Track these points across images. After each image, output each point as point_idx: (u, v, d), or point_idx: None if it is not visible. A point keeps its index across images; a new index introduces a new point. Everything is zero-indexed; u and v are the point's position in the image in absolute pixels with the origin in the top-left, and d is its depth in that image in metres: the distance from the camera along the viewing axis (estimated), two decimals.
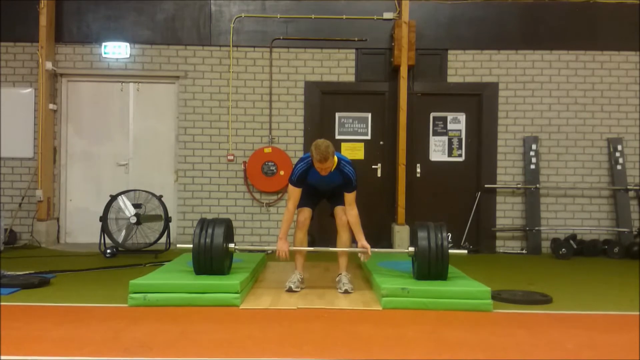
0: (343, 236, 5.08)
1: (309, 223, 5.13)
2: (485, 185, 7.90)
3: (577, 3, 7.95)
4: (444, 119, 8.08)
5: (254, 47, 7.99)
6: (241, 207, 7.96)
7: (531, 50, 7.98)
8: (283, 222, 5.02)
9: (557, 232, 7.86)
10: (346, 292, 4.87)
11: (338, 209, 5.09)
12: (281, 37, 7.97)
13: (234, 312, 4.26)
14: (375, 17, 7.94)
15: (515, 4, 7.99)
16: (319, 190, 5.11)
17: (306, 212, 5.08)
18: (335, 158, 4.87)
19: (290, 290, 4.88)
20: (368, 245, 4.91)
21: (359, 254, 5.00)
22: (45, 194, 7.69)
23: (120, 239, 7.00)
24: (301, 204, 5.06)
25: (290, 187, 4.99)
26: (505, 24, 8.00)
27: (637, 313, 4.34)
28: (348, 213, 4.97)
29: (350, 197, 4.95)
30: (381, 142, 8.07)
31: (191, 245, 4.74)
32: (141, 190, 7.19)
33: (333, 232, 5.20)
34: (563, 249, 7.33)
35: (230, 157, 7.96)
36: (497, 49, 7.99)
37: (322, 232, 7.44)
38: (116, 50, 7.97)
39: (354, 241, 5.09)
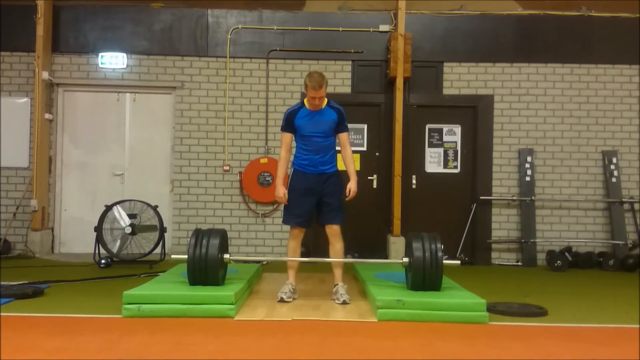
0: (336, 245, 5.05)
1: (303, 235, 5.11)
2: (481, 197, 7.92)
3: (572, 16, 8.02)
4: (440, 131, 8.10)
5: (251, 58, 8.02)
6: (237, 217, 7.95)
7: (526, 63, 8.03)
8: (278, 169, 5.10)
9: (552, 245, 7.87)
10: (344, 302, 4.85)
11: (328, 220, 5.05)
12: (278, 49, 8.00)
13: (229, 324, 4.24)
14: (371, 29, 7.98)
15: (510, 17, 8.05)
16: (312, 143, 4.98)
17: (301, 228, 5.07)
18: (325, 98, 5.01)
19: (282, 300, 4.86)
20: (355, 189, 4.99)
21: (346, 193, 5.02)
22: (40, 204, 7.66)
23: (115, 249, 6.97)
24: (295, 220, 5.03)
25: (282, 134, 5.09)
26: (501, 37, 8.05)
27: (633, 326, 4.34)
28: (344, 153, 5.08)
29: (344, 137, 5.08)
30: (377, 154, 8.09)
31: (186, 256, 4.73)
32: (136, 201, 7.17)
33: (327, 242, 5.16)
34: (558, 261, 7.33)
35: (226, 168, 7.96)
36: (492, 62, 8.04)
37: (316, 242, 7.42)
38: (113, 61, 7.98)
39: (349, 252, 5.09)
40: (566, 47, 8.02)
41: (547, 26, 8.03)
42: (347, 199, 5.04)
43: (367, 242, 7.80)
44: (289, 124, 5.02)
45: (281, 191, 5.00)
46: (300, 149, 5.07)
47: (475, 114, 8.05)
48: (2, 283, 5.33)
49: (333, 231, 5.04)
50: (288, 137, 5.06)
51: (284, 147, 5.06)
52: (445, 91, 8.03)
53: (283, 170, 5.06)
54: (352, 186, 5.00)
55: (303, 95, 7.80)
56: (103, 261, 6.87)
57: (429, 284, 4.65)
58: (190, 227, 7.52)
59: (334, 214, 5.04)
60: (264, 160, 7.90)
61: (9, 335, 3.76)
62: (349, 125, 7.83)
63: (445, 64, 8.03)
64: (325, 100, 5.03)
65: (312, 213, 5.10)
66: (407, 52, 7.61)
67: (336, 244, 5.05)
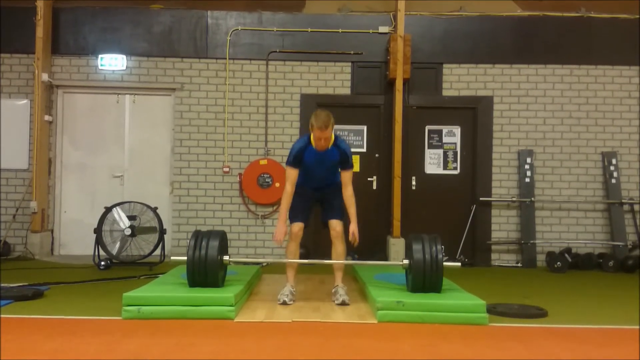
0: (338, 247, 5.07)
1: (302, 235, 5.12)
2: (481, 198, 7.92)
3: (571, 17, 8.02)
4: (439, 132, 8.10)
5: (250, 59, 8.02)
6: (236, 219, 7.95)
7: (525, 64, 8.04)
8: (282, 205, 5.00)
9: (552, 246, 7.87)
10: (343, 303, 4.86)
11: (332, 221, 5.09)
12: (277, 50, 8.01)
13: (229, 325, 4.23)
14: (371, 30, 7.99)
15: (509, 18, 8.05)
16: (315, 176, 5.03)
17: (300, 224, 5.08)
18: (332, 135, 4.92)
19: (284, 303, 4.86)
20: (357, 233, 4.92)
21: (350, 238, 4.98)
22: (39, 206, 7.65)
23: (114, 251, 6.96)
24: (294, 217, 5.07)
25: (288, 168, 4.99)
26: (500, 38, 8.06)
27: (633, 327, 4.33)
28: (344, 192, 5.00)
29: (347, 175, 4.99)
30: (377, 155, 8.09)
31: (185, 258, 4.73)
32: (136, 202, 7.17)
33: (327, 243, 5.19)
34: (558, 263, 7.33)
35: (226, 169, 7.96)
36: (491, 63, 8.04)
37: (316, 244, 7.42)
38: (112, 62, 7.98)
39: (349, 253, 5.09)
40: (565, 48, 8.03)
41: (546, 27, 8.03)
42: (354, 244, 5.00)
43: (366, 243, 7.77)
44: (297, 160, 4.93)
45: (283, 231, 4.91)
46: (302, 175, 5.05)
47: (474, 116, 8.05)
48: (2, 285, 5.33)
49: (336, 233, 5.06)
50: (294, 172, 4.96)
51: (290, 182, 4.96)
52: (445, 92, 8.04)
53: (287, 206, 4.99)
54: (354, 229, 4.92)
55: (302, 97, 7.97)
56: (103, 263, 6.86)
57: (429, 286, 4.65)
58: (189, 229, 7.51)
59: (336, 211, 5.08)
60: (263, 162, 7.90)
61: (9, 337, 3.76)
62: (349, 127, 8.09)
63: (444, 65, 8.04)
64: (333, 138, 4.92)
65: (313, 202, 5.21)
66: (406, 54, 7.61)
67: (338, 246, 5.08)
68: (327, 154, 4.93)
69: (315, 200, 5.18)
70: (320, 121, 4.74)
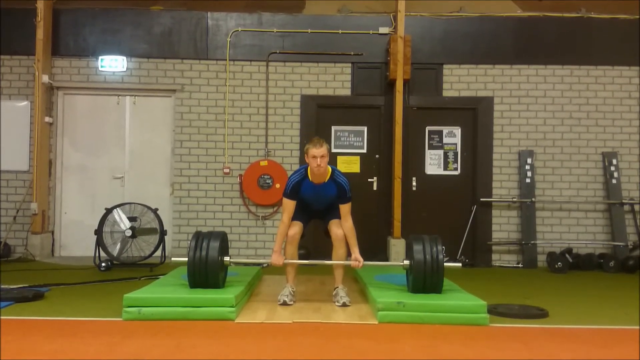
0: (339, 250, 5.06)
1: (299, 238, 5.11)
2: (481, 199, 7.91)
3: (571, 18, 8.03)
4: (440, 133, 8.10)
5: (251, 60, 8.03)
6: (237, 220, 7.95)
7: (526, 64, 8.04)
8: (278, 235, 5.04)
9: (552, 246, 7.87)
10: (344, 305, 4.86)
11: (333, 223, 5.08)
12: (277, 51, 8.01)
13: (229, 326, 4.23)
14: (371, 31, 7.99)
15: (510, 19, 8.06)
16: (313, 207, 5.12)
17: (297, 227, 5.06)
18: (329, 168, 4.92)
19: (284, 304, 4.87)
20: (361, 259, 4.91)
21: (353, 264, 4.99)
22: (40, 207, 7.66)
23: (115, 253, 6.96)
24: (293, 217, 5.06)
25: (285, 199, 5.00)
26: (500, 39, 8.06)
27: (634, 327, 4.34)
28: (343, 225, 4.99)
29: (345, 208, 4.97)
30: (377, 156, 8.09)
31: (186, 259, 4.74)
32: (137, 204, 7.17)
33: (328, 245, 5.19)
34: (559, 263, 7.32)
35: (226, 170, 7.96)
36: (492, 64, 8.04)
37: (317, 246, 7.41)
38: (113, 64, 7.99)
39: (349, 255, 5.09)
40: (566, 49, 8.03)
41: (546, 28, 8.04)
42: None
43: (367, 244, 7.77)
44: (294, 192, 4.95)
45: (279, 260, 4.96)
46: (300, 210, 5.07)
47: (475, 116, 8.05)
48: (3, 286, 5.33)
49: (336, 236, 5.05)
50: (292, 204, 4.98)
51: (287, 214, 4.98)
52: (445, 93, 8.04)
53: (283, 237, 5.02)
54: (357, 256, 4.93)
55: (302, 98, 7.97)
56: (103, 264, 6.86)
57: (430, 287, 4.65)
58: (190, 230, 7.53)
59: (336, 212, 5.06)
60: (264, 163, 7.90)
61: (9, 338, 3.76)
62: (350, 128, 8.09)
63: (444, 66, 8.04)
64: (330, 170, 4.93)
65: (312, 214, 5.22)
66: (406, 54, 7.62)
67: (339, 249, 5.06)
68: (324, 188, 4.94)
69: (315, 213, 5.21)
70: (315, 140, 4.84)
